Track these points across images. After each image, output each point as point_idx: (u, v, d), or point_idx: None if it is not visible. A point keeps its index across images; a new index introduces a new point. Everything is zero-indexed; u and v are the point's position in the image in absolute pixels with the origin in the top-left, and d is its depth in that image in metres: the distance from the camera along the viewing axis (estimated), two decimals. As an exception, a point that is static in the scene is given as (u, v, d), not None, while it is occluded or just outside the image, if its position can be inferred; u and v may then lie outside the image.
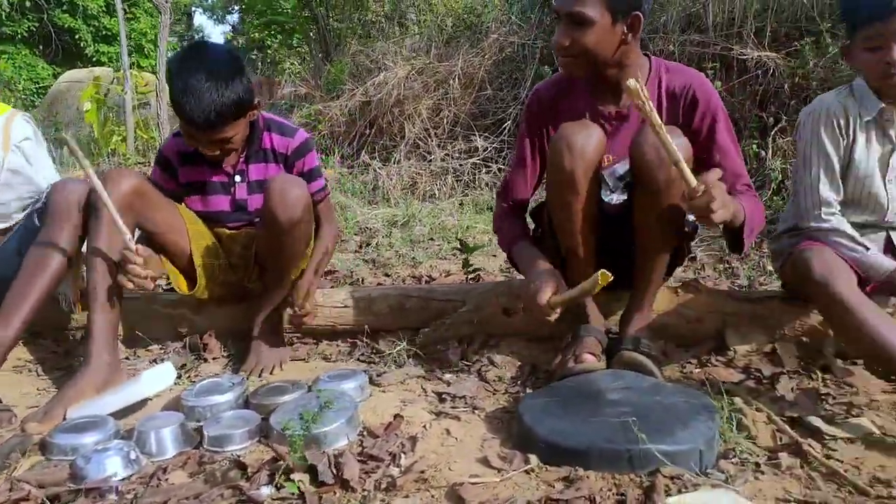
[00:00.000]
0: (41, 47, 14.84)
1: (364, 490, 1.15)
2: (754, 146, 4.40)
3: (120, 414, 1.43)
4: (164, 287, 2.09)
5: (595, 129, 1.52)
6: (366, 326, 1.94)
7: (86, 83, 8.75)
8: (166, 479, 1.17)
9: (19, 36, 13.99)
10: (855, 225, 1.61)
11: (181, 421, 1.33)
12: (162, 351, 1.93)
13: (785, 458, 1.23)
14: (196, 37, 24.12)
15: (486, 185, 5.03)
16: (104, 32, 16.39)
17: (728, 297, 1.79)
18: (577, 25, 1.49)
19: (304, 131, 1.87)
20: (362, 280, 2.91)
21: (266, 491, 1.12)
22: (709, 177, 1.29)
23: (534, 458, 1.24)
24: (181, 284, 1.77)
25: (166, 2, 3.73)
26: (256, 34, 14.03)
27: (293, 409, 1.35)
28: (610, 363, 1.60)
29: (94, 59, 16.31)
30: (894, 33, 1.43)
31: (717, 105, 1.59)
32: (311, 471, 1.16)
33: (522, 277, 1.73)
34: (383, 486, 1.16)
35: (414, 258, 3.26)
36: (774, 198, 3.81)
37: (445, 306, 1.95)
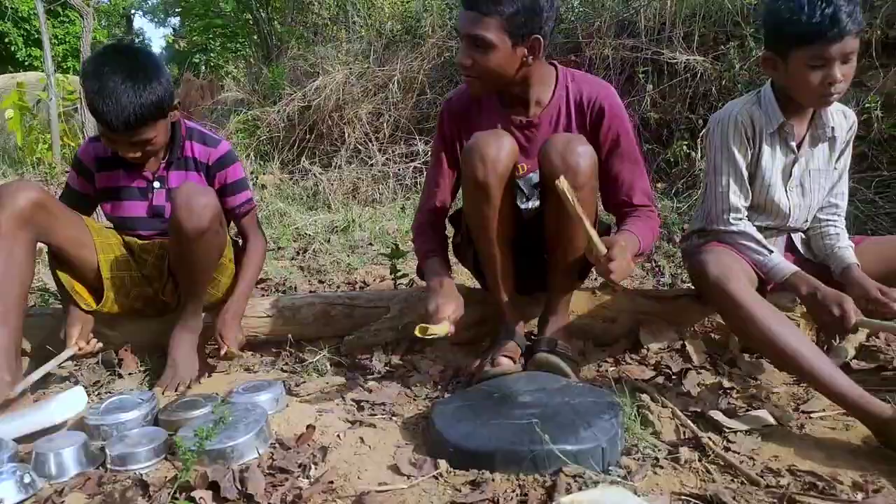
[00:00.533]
0: (-31, 51, 14.21)
1: (269, 503, 1.14)
2: (684, 146, 4.55)
3: (27, 439, 1.37)
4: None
5: (506, 137, 1.55)
6: (290, 336, 1.92)
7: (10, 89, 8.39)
8: (62, 502, 1.13)
9: (-54, 39, 13.37)
10: (759, 228, 1.69)
11: (83, 441, 1.29)
12: (76, 368, 1.86)
13: (685, 452, 1.28)
14: (136, 40, 23.40)
15: (428, 188, 5.05)
16: (36, 36, 15.78)
17: (641, 297, 1.84)
18: (478, 48, 1.52)
19: (228, 143, 1.84)
20: (295, 288, 2.88)
21: (165, 509, 1.09)
22: (614, 246, 1.36)
23: (443, 464, 1.25)
24: (88, 299, 1.71)
25: (88, 6, 3.60)
26: (197, 37, 13.72)
27: (203, 424, 1.32)
28: (527, 366, 1.62)
29: (27, 63, 15.65)
30: (840, 54, 1.45)
31: (622, 117, 1.64)
32: (214, 487, 1.14)
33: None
34: (289, 498, 1.15)
35: (349, 264, 3.24)
36: (703, 197, 3.93)
37: (371, 313, 1.95)
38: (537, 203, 1.69)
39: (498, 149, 1.54)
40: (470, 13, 1.51)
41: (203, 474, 1.16)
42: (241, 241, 1.95)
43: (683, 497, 1.13)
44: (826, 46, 1.44)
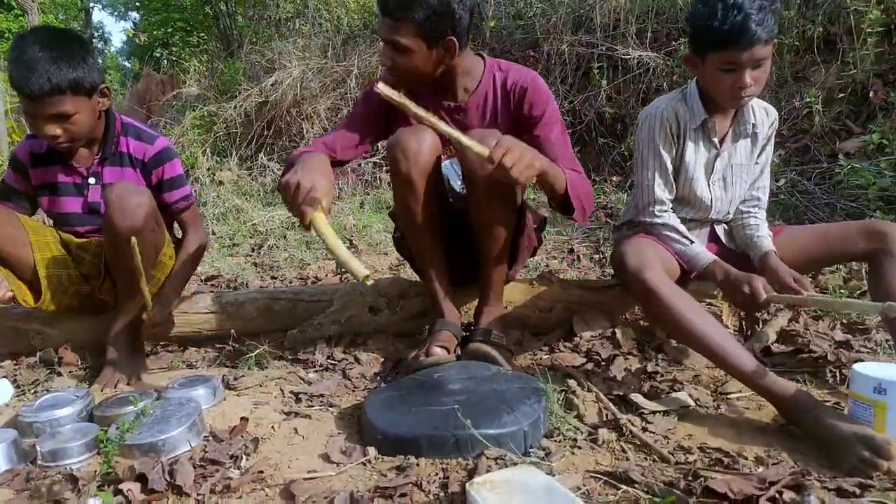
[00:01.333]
0: (-86, 43, 13.63)
1: (199, 494, 1.16)
2: (637, 141, 4.64)
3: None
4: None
5: (427, 132, 1.59)
6: (232, 331, 1.94)
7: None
8: (-12, 498, 1.15)
9: None
10: (684, 220, 1.77)
11: (14, 438, 1.30)
12: (16, 366, 1.86)
13: (604, 434, 1.34)
14: (95, 34, 22.78)
15: (388, 183, 5.07)
16: (-10, 29, 15.26)
17: (576, 288, 1.91)
18: (396, 51, 1.56)
19: (165, 139, 1.85)
20: (247, 284, 2.89)
21: (94, 502, 1.11)
22: (498, 141, 1.36)
23: (372, 451, 1.29)
24: (27, 297, 1.71)
25: (33, 1, 3.52)
26: (157, 32, 13.42)
27: (129, 420, 1.34)
28: (459, 357, 1.67)
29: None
30: (750, 61, 1.52)
31: (546, 100, 1.69)
32: (142, 479, 1.16)
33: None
34: (219, 489, 1.18)
35: (302, 260, 3.26)
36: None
37: (313, 307, 1.98)
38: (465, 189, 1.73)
39: (419, 143, 1.58)
40: (386, 20, 1.56)
41: (130, 467, 1.18)
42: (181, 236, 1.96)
43: (596, 475, 1.18)
44: (736, 53, 1.52)
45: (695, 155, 1.74)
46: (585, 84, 5.19)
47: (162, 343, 1.95)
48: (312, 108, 5.49)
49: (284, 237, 3.93)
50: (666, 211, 1.74)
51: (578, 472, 1.20)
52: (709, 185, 1.76)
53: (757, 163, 1.81)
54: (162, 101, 10.45)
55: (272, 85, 5.40)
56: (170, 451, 1.27)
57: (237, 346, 1.94)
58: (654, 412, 1.44)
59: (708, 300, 1.84)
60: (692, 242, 1.69)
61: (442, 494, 1.13)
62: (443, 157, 1.68)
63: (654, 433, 1.36)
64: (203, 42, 10.89)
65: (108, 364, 1.74)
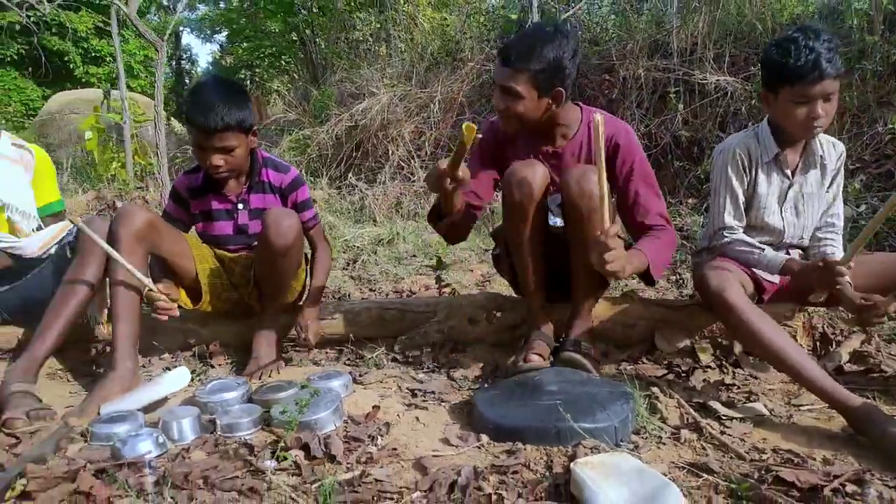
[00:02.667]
0: (30, 69, 14.98)
1: (347, 463, 1.44)
2: (714, 164, 4.72)
3: (145, 409, 1.71)
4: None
5: (539, 166, 1.84)
6: (351, 335, 2.24)
7: (78, 105, 8.98)
8: (189, 457, 1.46)
9: (8, 59, 14.13)
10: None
11: (197, 413, 1.62)
12: (173, 359, 2.21)
13: (685, 434, 1.54)
14: (184, 56, 24.42)
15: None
16: (93, 54, 16.58)
17: (656, 306, 2.10)
18: (510, 96, 1.81)
19: (295, 169, 2.18)
20: (349, 295, 3.21)
21: (270, 464, 1.40)
22: (611, 229, 1.56)
23: (484, 437, 1.54)
24: (186, 301, 2.06)
25: (162, 40, 4.02)
26: (244, 54, 14.34)
27: (289, 401, 1.65)
28: (553, 363, 1.90)
29: (84, 80, 16.49)
30: (821, 94, 1.72)
31: (635, 151, 1.91)
32: (305, 448, 1.45)
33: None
34: (363, 459, 1.45)
35: (396, 274, 3.56)
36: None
37: (419, 317, 2.26)
38: (562, 221, 1.96)
39: (532, 175, 1.83)
40: (505, 68, 1.81)
41: (296, 438, 1.47)
42: (310, 251, 2.27)
43: (679, 466, 1.39)
44: (809, 86, 1.72)
45: (767, 186, 1.92)
46: (661, 108, 5.31)
47: (291, 343, 2.26)
48: (397, 131, 5.86)
49: (375, 252, 4.25)
50: (734, 234, 1.92)
51: (664, 462, 1.41)
52: (781, 212, 1.94)
53: (828, 192, 1.97)
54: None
55: (362, 111, 5.80)
56: (320, 429, 1.56)
57: (353, 348, 2.24)
58: (731, 418, 1.62)
59: (784, 322, 1.99)
60: (763, 250, 1.86)
61: (547, 473, 1.37)
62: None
63: (731, 436, 1.54)
64: (288, 65, 11.61)
65: (253, 358, 2.06)
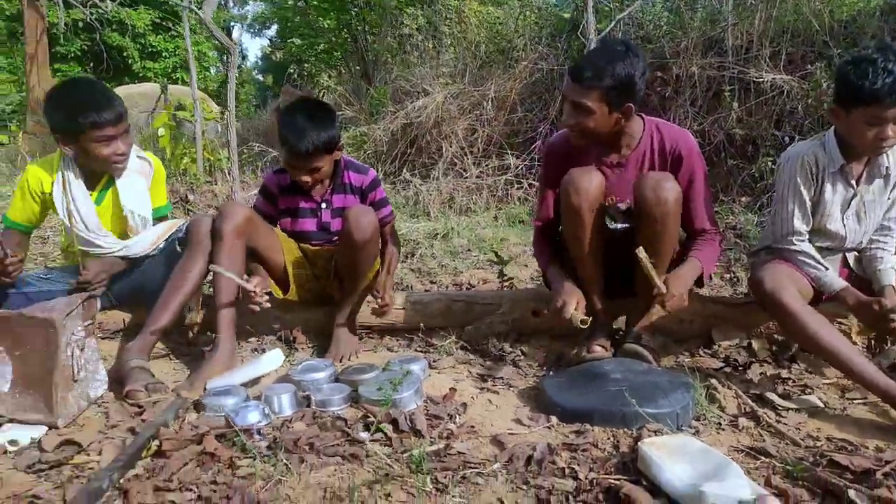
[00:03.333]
0: (91, 65, 15.62)
1: (431, 437, 1.60)
2: (769, 162, 4.73)
3: (245, 385, 1.91)
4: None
5: (596, 173, 1.96)
6: (421, 325, 2.41)
7: (136, 99, 9.40)
8: (292, 427, 1.64)
9: (72, 55, 14.78)
10: (819, 249, 2.02)
11: (294, 389, 1.81)
12: (259, 342, 2.42)
13: (743, 421, 1.66)
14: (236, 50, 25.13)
15: (518, 199, 5.47)
16: (150, 49, 17.21)
17: (714, 303, 2.21)
18: (581, 112, 1.93)
19: (373, 170, 2.36)
20: (411, 287, 3.38)
21: (364, 435, 1.58)
22: (672, 284, 1.83)
23: (553, 419, 1.69)
24: (277, 290, 2.26)
25: (235, 43, 4.26)
26: (296, 50, 14.67)
27: (374, 382, 1.82)
28: (616, 354, 2.03)
29: (141, 74, 17.13)
30: (893, 117, 1.77)
31: (696, 162, 2.02)
32: (394, 423, 1.62)
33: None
34: (444, 435, 1.62)
35: (455, 268, 3.72)
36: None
37: (485, 308, 2.41)
38: (626, 225, 2.08)
39: (589, 181, 1.96)
40: (576, 85, 1.92)
41: (387, 414, 1.64)
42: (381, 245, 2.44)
43: (738, 450, 1.51)
44: (883, 109, 1.76)
45: (832, 194, 1.99)
46: (715, 105, 5.31)
47: (366, 331, 2.45)
48: (451, 128, 6.01)
49: (432, 246, 4.42)
50: (803, 240, 2.00)
51: (723, 446, 1.53)
52: (843, 219, 2.01)
53: (888, 198, 2.02)
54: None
55: (417, 109, 5.97)
56: (404, 406, 1.73)
57: (423, 336, 2.40)
58: (787, 409, 1.73)
59: (839, 320, 2.07)
60: (827, 269, 1.94)
61: (614, 452, 1.51)
62: (607, 201, 2.04)
63: (786, 425, 1.65)
64: (339, 61, 11.87)
65: (334, 343, 2.25)
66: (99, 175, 2.19)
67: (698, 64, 5.37)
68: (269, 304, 2.06)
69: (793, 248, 1.99)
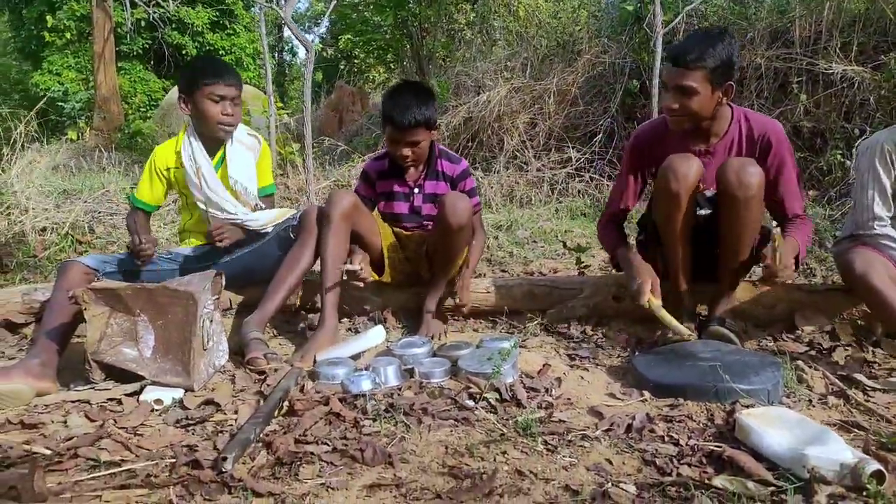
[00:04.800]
0: (152, 62, 16.18)
1: (530, 408, 1.73)
2: (838, 155, 4.68)
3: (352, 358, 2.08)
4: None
5: (695, 160, 2.04)
6: (505, 307, 2.53)
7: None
8: (401, 395, 1.79)
9: (134, 53, 15.36)
10: None
11: (398, 363, 1.96)
12: (350, 322, 2.58)
13: (832, 399, 1.72)
14: (286, 47, 25.67)
15: (579, 192, 5.53)
16: (207, 47, 17.77)
17: (796, 289, 2.26)
18: (685, 94, 2.00)
19: (465, 161, 2.50)
20: (484, 275, 3.50)
21: (471, 402, 1.72)
22: (787, 261, 1.87)
23: (646, 394, 1.78)
24: (373, 273, 2.42)
25: (312, 41, 4.46)
26: (349, 46, 14.92)
27: (471, 357, 1.96)
28: (701, 336, 2.11)
29: (199, 71, 17.60)
30: None
31: (785, 148, 2.08)
32: (497, 392, 1.75)
33: (624, 273, 2.27)
34: (543, 405, 1.74)
35: (525, 257, 3.83)
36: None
37: (566, 293, 2.51)
38: (708, 211, 2.15)
39: (688, 168, 2.03)
40: (679, 69, 2.00)
41: (490, 384, 1.77)
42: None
43: (831, 424, 1.58)
44: None
45: None
46: (781, 97, 5.25)
47: (451, 313, 2.58)
48: (512, 122, 6.11)
49: (497, 238, 4.54)
50: (885, 225, 2.04)
51: (816, 420, 1.60)
52: None
53: None
54: (353, 110, 11.71)
55: (479, 103, 6.09)
56: (503, 379, 1.85)
57: (507, 319, 2.53)
58: (874, 390, 1.78)
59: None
60: None
61: (709, 423, 1.60)
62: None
63: (876, 403, 1.71)
64: (395, 58, 12.08)
65: (424, 323, 2.39)
66: (215, 146, 2.41)
67: (764, 55, 5.32)
68: (371, 278, 2.22)
69: (874, 232, 2.04)
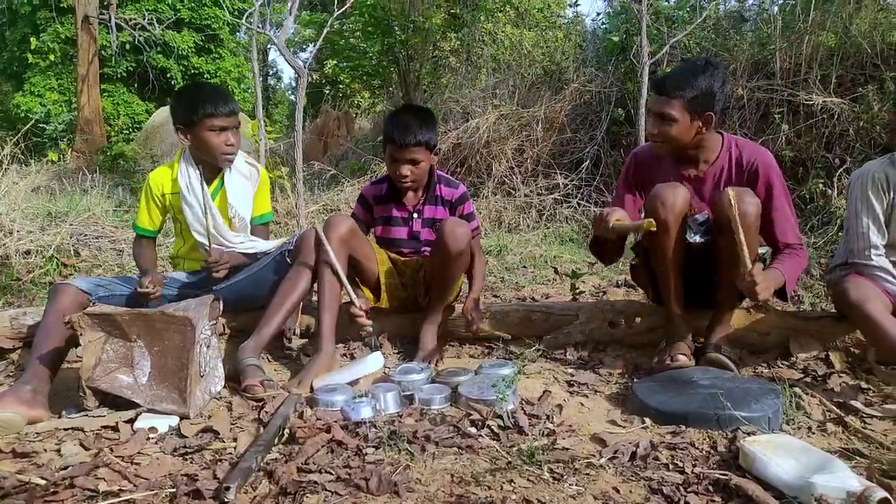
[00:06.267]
0: (136, 85, 16.13)
1: (533, 434, 1.72)
2: (820, 185, 4.79)
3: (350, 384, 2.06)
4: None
5: (682, 189, 2.08)
6: (502, 334, 2.52)
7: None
8: (402, 422, 1.77)
9: (118, 76, 15.31)
10: (894, 263, 2.10)
11: (397, 389, 1.94)
12: (346, 347, 2.56)
13: (831, 427, 1.74)
14: (271, 71, 25.76)
15: (566, 218, 5.58)
16: (192, 71, 17.75)
17: (790, 316, 2.29)
18: (664, 121, 2.06)
19: (463, 185, 2.52)
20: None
21: (473, 430, 1.70)
22: (755, 267, 1.86)
23: (648, 421, 1.79)
24: (370, 297, 2.41)
25: (305, 67, 4.50)
26: (330, 70, 15.03)
27: (472, 383, 1.95)
28: (698, 363, 2.12)
29: (183, 95, 17.55)
30: None
31: (775, 175, 2.12)
32: (500, 418, 1.74)
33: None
34: (545, 432, 1.73)
35: (517, 282, 3.84)
36: (840, 233, 4.17)
37: (562, 319, 2.52)
38: (703, 238, 2.18)
39: (675, 196, 2.07)
40: (660, 97, 2.08)
41: (491, 411, 1.76)
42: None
43: (831, 451, 1.59)
44: None
45: None
46: (763, 127, 5.37)
47: (451, 335, 2.57)
48: (500, 148, 6.17)
49: (486, 262, 4.55)
50: (880, 254, 2.09)
51: (817, 447, 1.61)
52: None
53: None
54: (338, 135, 11.75)
55: (468, 130, 6.15)
56: (504, 406, 1.84)
57: (503, 345, 2.52)
58: (871, 416, 1.80)
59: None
60: None
61: (712, 451, 1.60)
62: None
63: (874, 430, 1.72)
64: (381, 84, 12.18)
65: (420, 348, 2.38)
66: (212, 172, 2.38)
67: (746, 86, 5.45)
68: (371, 329, 2.24)
69: (870, 262, 2.08)
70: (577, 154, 6.10)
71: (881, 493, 1.25)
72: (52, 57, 14.12)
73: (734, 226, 1.87)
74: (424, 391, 1.95)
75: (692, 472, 1.47)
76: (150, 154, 9.64)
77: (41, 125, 12.26)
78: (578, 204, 5.63)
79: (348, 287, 2.21)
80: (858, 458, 1.54)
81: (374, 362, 2.13)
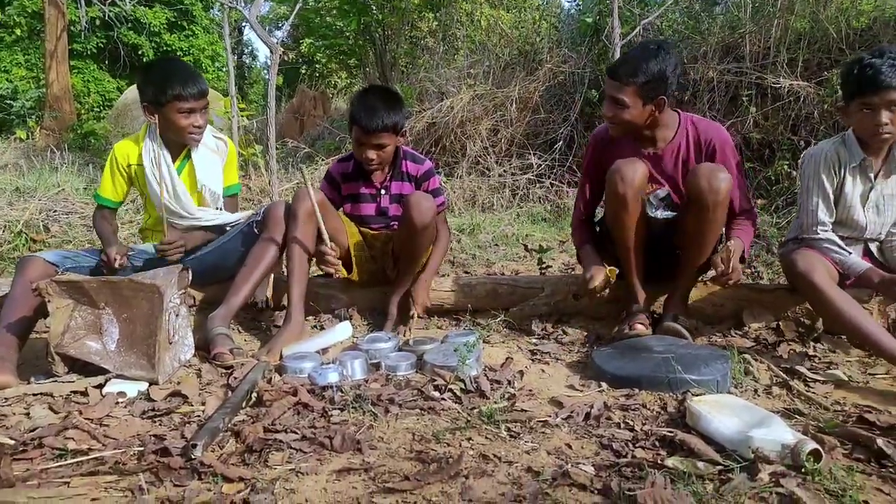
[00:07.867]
0: (107, 62, 15.77)
1: (494, 399, 1.78)
2: (785, 166, 4.91)
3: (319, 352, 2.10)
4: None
5: (640, 164, 2.15)
6: (469, 306, 2.59)
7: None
8: (368, 387, 1.83)
9: (88, 52, 14.94)
10: (842, 238, 2.20)
11: (364, 357, 1.99)
12: (316, 319, 2.60)
13: (776, 390, 1.83)
14: (245, 50, 25.32)
15: (540, 198, 5.65)
16: (164, 48, 17.39)
17: (745, 288, 2.38)
18: (618, 105, 2.12)
19: (430, 161, 2.55)
20: (447, 275, 3.56)
21: (436, 393, 1.76)
22: (735, 264, 2.03)
23: (604, 385, 1.86)
24: (343, 270, 2.45)
25: (277, 42, 4.47)
26: (306, 49, 14.85)
27: (437, 351, 2.01)
28: (655, 332, 2.21)
29: (155, 72, 17.19)
30: (883, 103, 1.98)
31: (729, 150, 2.22)
32: (462, 383, 1.81)
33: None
34: (506, 396, 1.80)
35: (487, 259, 3.90)
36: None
37: (528, 292, 2.59)
38: (668, 214, 2.25)
39: (634, 171, 2.14)
40: (613, 81, 2.14)
41: (455, 376, 1.82)
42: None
43: (774, 411, 1.68)
44: (871, 96, 1.98)
45: (853, 187, 2.17)
46: (732, 109, 5.47)
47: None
48: (474, 128, 6.20)
49: (459, 241, 4.61)
50: (827, 230, 2.18)
51: (760, 407, 1.70)
52: (864, 211, 2.18)
53: None
54: (314, 115, 11.66)
55: (444, 109, 6.16)
56: (468, 372, 1.91)
57: (470, 317, 2.58)
58: (815, 381, 1.90)
59: (862, 305, 2.23)
60: (850, 254, 2.12)
61: (662, 411, 1.69)
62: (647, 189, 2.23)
63: (815, 393, 1.82)
64: (357, 63, 12.10)
65: (389, 319, 2.43)
66: (178, 148, 2.39)
67: (716, 69, 5.54)
68: (341, 274, 2.27)
69: (818, 237, 2.17)
70: (551, 134, 6.16)
71: (812, 445, 1.33)
72: (18, 31, 13.73)
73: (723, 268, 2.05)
74: (391, 359, 2.00)
75: (641, 430, 1.55)
76: (122, 132, 9.45)
77: (8, 101, 11.95)
78: (552, 184, 5.69)
79: (322, 227, 2.22)
80: (798, 416, 1.63)
81: (342, 331, 2.18)
